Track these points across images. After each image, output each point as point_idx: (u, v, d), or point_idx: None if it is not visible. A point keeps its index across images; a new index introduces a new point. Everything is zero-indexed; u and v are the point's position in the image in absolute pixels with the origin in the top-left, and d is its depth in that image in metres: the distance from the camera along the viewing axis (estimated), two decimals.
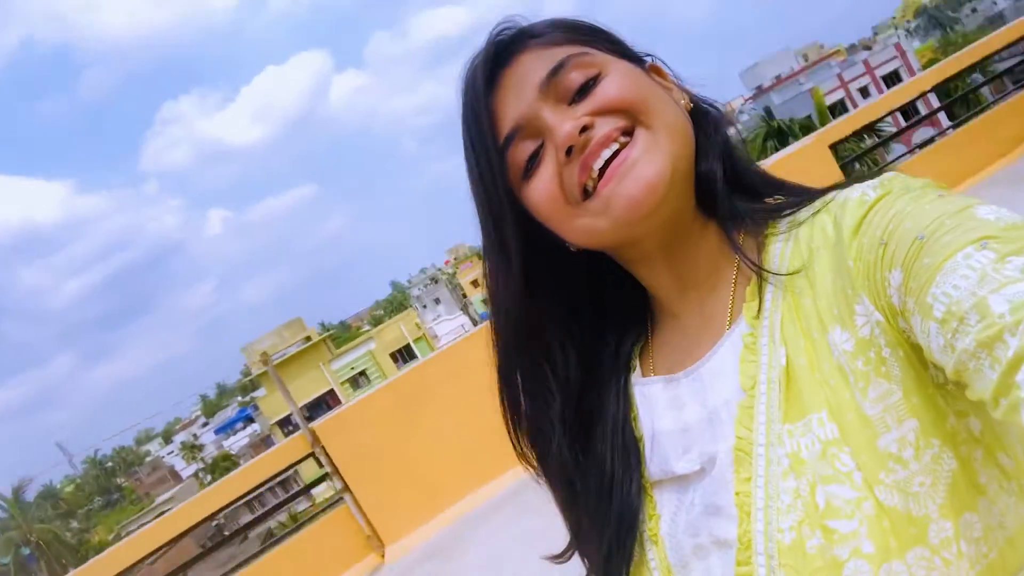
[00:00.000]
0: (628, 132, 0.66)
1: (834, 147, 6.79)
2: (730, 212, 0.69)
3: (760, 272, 0.64)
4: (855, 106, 40.23)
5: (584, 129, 0.65)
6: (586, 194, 0.66)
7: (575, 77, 0.67)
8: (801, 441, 0.58)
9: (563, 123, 0.65)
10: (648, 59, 0.75)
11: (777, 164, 6.10)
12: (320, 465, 5.42)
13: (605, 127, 0.66)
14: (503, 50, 0.70)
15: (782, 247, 0.65)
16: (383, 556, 5.21)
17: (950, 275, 0.47)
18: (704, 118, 0.73)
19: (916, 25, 68.02)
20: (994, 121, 7.04)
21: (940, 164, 6.76)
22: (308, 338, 43.01)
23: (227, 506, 5.70)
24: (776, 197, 0.71)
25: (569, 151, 0.65)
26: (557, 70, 0.67)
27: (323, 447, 5.30)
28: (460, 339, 5.82)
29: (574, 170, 0.65)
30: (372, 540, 5.25)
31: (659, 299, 0.76)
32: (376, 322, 76.50)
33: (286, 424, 39.29)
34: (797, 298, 0.61)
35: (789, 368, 0.60)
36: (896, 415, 0.55)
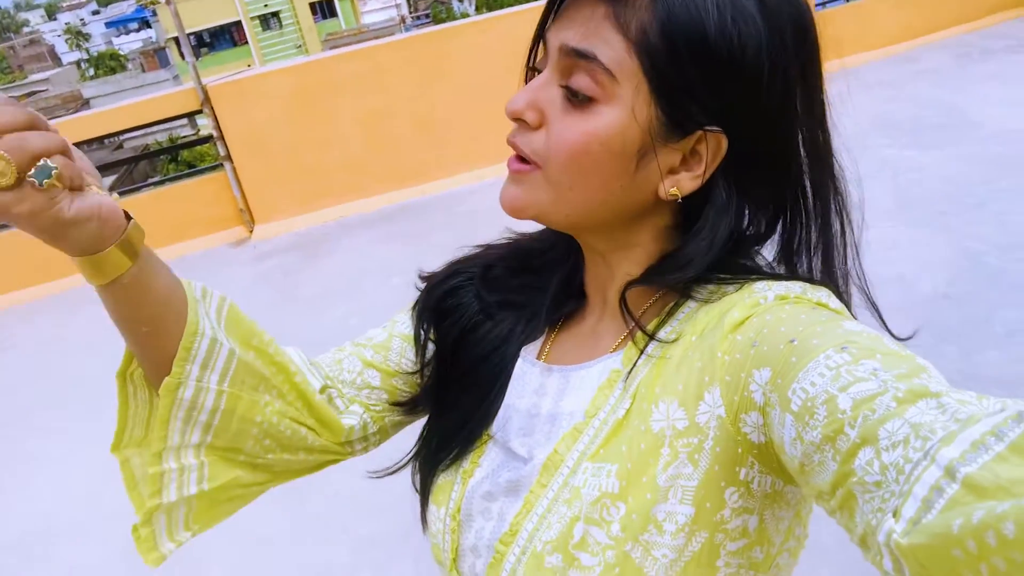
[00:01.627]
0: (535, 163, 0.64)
1: None
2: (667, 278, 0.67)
3: (650, 338, 0.66)
4: None
5: (522, 120, 0.65)
6: None
7: (581, 80, 0.61)
8: (591, 481, 0.63)
9: (521, 95, 0.65)
10: (713, 130, 0.61)
11: None
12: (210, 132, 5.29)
13: (528, 143, 0.64)
14: None
15: (690, 312, 0.66)
16: (251, 232, 5.37)
17: (811, 373, 0.50)
18: (711, 208, 0.64)
19: None
20: None
21: (904, 8, 6.60)
22: None
23: (111, 135, 5.59)
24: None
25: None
26: (576, 55, 0.61)
27: (212, 108, 5.15)
28: (382, 42, 5.53)
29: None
30: (244, 214, 5.36)
31: (586, 287, 0.77)
32: None
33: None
34: (665, 363, 0.64)
35: (624, 420, 0.64)
36: (680, 495, 0.60)
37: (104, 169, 10.70)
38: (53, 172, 0.52)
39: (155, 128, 5.77)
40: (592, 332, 0.75)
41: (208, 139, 5.47)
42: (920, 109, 5.20)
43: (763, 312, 0.58)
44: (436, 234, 4.75)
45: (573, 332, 0.78)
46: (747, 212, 0.66)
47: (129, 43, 57.59)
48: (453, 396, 0.81)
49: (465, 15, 32.33)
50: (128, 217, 0.61)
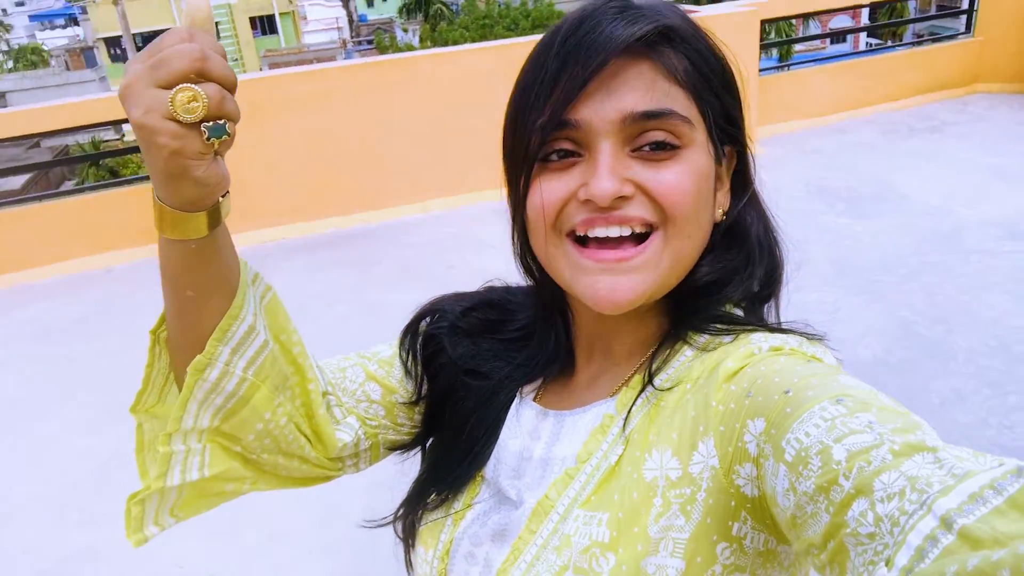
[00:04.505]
0: (647, 231, 0.64)
1: (764, 22, 6.66)
2: (687, 327, 0.68)
3: (647, 382, 0.67)
4: None
5: (620, 197, 0.63)
6: (572, 236, 0.66)
7: (659, 135, 0.63)
8: (581, 529, 0.63)
9: (608, 177, 0.62)
10: (729, 148, 0.70)
11: (701, 19, 5.91)
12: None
13: (636, 209, 0.63)
14: (628, 45, 0.61)
15: (684, 360, 0.67)
16: None
17: (805, 423, 0.50)
18: (738, 234, 0.70)
19: None
20: (899, 62, 7.23)
21: (837, 81, 6.94)
22: None
23: (36, 135, 5.32)
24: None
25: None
26: (653, 117, 0.62)
27: None
28: (335, 65, 5.47)
29: (579, 214, 0.64)
30: None
31: (576, 342, 0.78)
32: None
33: (115, 45, 35.55)
34: (660, 411, 0.64)
35: (616, 467, 0.64)
36: (671, 548, 0.59)
37: (21, 170, 10.18)
38: (224, 137, 0.54)
39: (77, 129, 5.50)
40: (588, 381, 0.75)
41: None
42: (853, 179, 5.44)
43: (757, 363, 0.59)
44: (381, 264, 4.67)
45: (567, 379, 0.78)
46: (758, 216, 0.72)
47: (55, 39, 55.38)
48: (446, 439, 0.81)
49: (410, 47, 32.47)
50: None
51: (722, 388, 0.59)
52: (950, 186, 5.18)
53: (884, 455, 0.44)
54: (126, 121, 4.65)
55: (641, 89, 0.62)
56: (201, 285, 0.64)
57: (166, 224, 0.60)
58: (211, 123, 0.53)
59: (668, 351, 0.68)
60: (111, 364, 3.83)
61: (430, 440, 0.86)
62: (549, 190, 0.65)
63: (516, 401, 0.77)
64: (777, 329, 0.66)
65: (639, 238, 0.65)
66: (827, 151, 6.07)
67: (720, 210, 0.69)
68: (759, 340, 0.62)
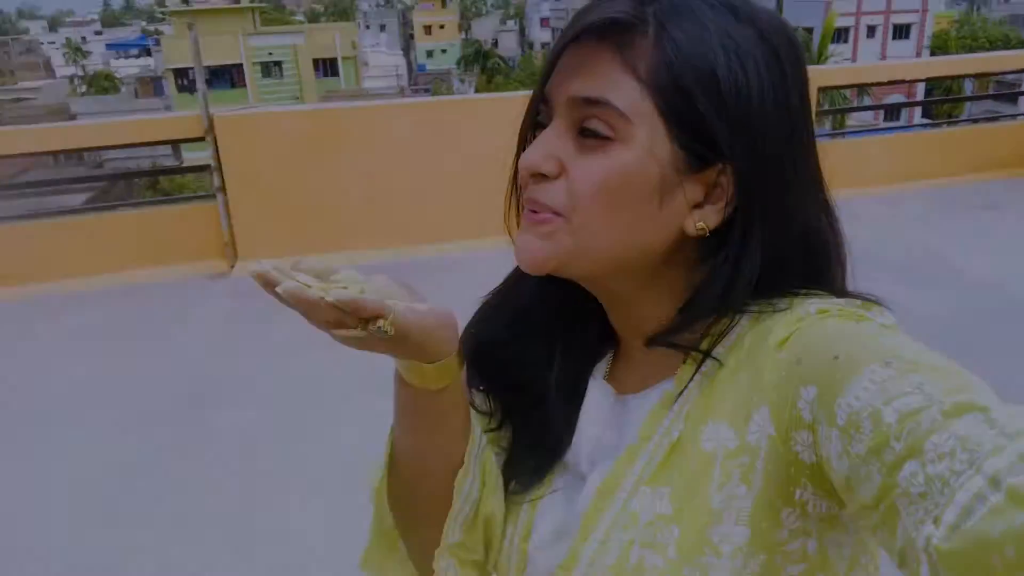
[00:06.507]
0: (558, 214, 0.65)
1: (821, 90, 6.68)
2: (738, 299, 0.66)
3: (705, 355, 0.65)
4: (856, 40, 39.43)
5: (541, 174, 0.64)
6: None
7: (593, 123, 0.62)
8: (647, 505, 0.64)
9: (536, 150, 0.64)
10: (724, 165, 0.62)
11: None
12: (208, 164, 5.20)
13: (545, 195, 0.64)
14: (597, 27, 0.62)
15: (739, 332, 0.65)
16: (232, 268, 5.25)
17: (855, 387, 0.50)
18: (734, 241, 0.64)
19: None
20: (957, 138, 7.17)
21: (893, 153, 6.90)
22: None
23: (103, 147, 5.53)
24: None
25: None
26: (590, 104, 0.62)
27: (215, 137, 5.10)
28: (396, 103, 5.60)
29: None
30: (228, 249, 5.25)
31: (617, 329, 0.76)
32: (312, 18, 71.88)
33: (183, 76, 36.94)
34: (715, 383, 0.64)
35: (677, 444, 0.64)
36: (735, 516, 0.60)
37: (81, 182, 10.57)
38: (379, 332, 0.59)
39: (139, 154, 5.70)
40: (644, 360, 0.72)
41: (201, 168, 5.40)
42: (906, 250, 5.36)
43: (805, 328, 0.59)
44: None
45: (627, 356, 0.76)
46: (774, 237, 0.65)
47: (127, 67, 57.72)
48: (524, 433, 0.79)
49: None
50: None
51: (772, 356, 0.60)
52: (1005, 262, 5.07)
53: (934, 416, 0.45)
54: (200, 139, 4.76)
55: (592, 75, 0.62)
56: (464, 415, 0.72)
57: (434, 378, 0.66)
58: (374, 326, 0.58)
59: (723, 323, 0.66)
60: (146, 371, 3.88)
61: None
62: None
63: (592, 385, 0.76)
64: (835, 294, 0.65)
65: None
66: (880, 220, 6.00)
67: (700, 223, 0.64)
68: (809, 304, 0.62)
